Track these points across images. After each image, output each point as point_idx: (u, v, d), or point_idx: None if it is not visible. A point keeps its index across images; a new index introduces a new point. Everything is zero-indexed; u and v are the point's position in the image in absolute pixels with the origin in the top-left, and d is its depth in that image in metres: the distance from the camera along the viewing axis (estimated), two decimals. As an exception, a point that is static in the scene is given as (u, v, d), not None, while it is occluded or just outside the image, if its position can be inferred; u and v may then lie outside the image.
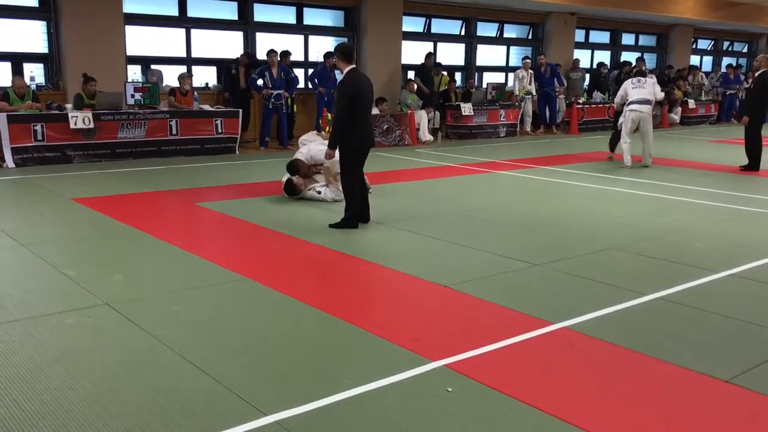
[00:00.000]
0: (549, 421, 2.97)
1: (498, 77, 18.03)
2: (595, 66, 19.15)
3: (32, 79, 11.50)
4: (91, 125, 10.13)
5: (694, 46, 23.09)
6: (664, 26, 21.51)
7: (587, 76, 18.68)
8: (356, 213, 6.49)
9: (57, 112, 10.11)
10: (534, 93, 16.21)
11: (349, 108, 6.23)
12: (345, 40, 15.37)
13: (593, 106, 17.23)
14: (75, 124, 9.98)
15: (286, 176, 7.79)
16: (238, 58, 12.97)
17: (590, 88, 18.34)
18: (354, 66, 6.48)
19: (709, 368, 3.53)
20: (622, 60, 19.76)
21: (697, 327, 4.15)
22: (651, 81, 10.87)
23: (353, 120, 6.27)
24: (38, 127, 9.76)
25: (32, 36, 11.75)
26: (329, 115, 12.65)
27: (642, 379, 3.43)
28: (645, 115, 10.60)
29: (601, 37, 20.84)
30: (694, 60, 23.17)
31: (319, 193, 7.69)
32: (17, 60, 11.64)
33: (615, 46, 21.09)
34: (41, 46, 11.83)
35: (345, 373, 3.37)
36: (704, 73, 21.43)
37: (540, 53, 17.26)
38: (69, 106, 10.42)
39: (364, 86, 6.42)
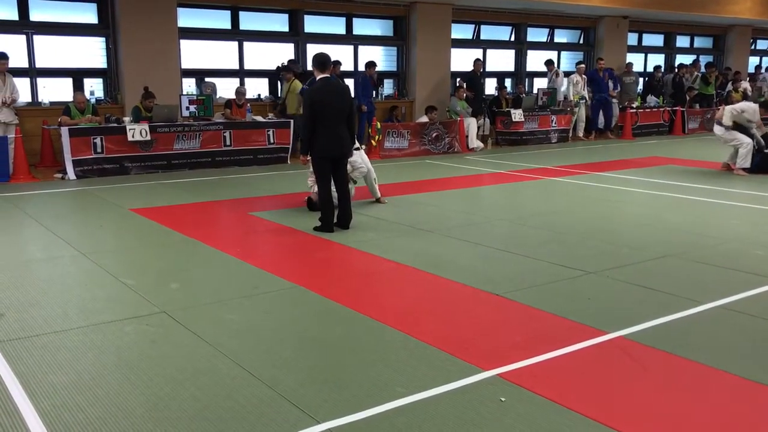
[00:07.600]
0: (606, 432, 2.92)
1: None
2: (650, 69, 18.75)
3: (92, 93, 11.95)
4: (148, 137, 10.40)
5: (752, 47, 22.41)
6: (720, 27, 20.94)
7: (641, 80, 18.31)
8: (330, 218, 6.56)
9: (115, 125, 10.42)
10: (587, 98, 15.95)
11: (311, 115, 6.38)
12: (394, 49, 15.45)
13: (647, 110, 16.87)
14: (132, 137, 10.27)
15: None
16: (281, 70, 13.13)
17: (644, 92, 17.97)
18: (327, 75, 6.60)
19: (774, 380, 3.41)
20: (677, 63, 19.31)
21: (760, 337, 4.02)
22: (728, 108, 11.04)
23: (317, 127, 6.40)
24: (97, 140, 10.07)
25: (92, 52, 12.19)
26: (378, 123, 12.69)
27: (704, 390, 3.34)
28: (718, 136, 10.98)
29: (654, 40, 20.43)
30: (753, 61, 22.49)
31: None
32: (78, 75, 12.11)
33: (669, 49, 20.63)
34: (100, 61, 12.25)
35: (398, 381, 3.37)
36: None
37: (599, 58, 16.85)
38: (127, 119, 10.74)
39: (329, 95, 6.49)
